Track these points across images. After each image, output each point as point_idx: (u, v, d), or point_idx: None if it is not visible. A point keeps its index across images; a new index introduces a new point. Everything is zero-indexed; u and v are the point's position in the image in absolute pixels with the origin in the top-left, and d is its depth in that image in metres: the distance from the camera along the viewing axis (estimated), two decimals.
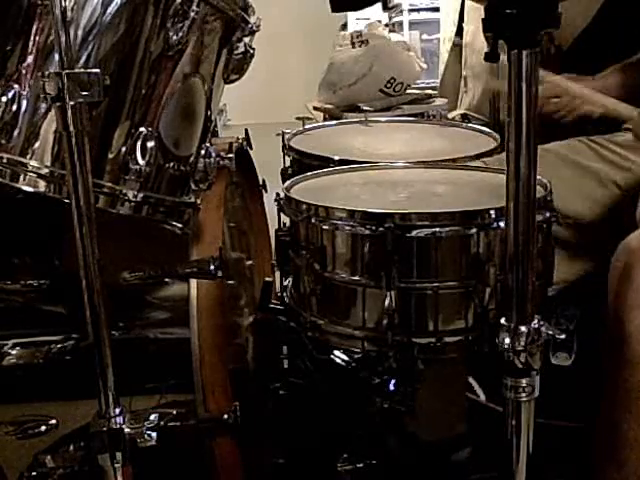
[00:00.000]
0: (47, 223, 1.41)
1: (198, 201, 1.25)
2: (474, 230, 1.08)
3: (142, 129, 1.12)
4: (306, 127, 1.76)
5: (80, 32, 1.09)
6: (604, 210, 1.38)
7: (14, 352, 1.46)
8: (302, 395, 1.57)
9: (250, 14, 1.30)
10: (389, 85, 2.72)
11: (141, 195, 1.13)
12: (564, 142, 1.48)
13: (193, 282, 1.23)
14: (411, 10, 3.82)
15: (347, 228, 1.11)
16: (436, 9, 3.48)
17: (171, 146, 1.17)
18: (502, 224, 1.05)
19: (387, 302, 1.08)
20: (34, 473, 1.23)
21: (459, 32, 2.13)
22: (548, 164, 1.35)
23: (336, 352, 1.51)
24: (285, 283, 1.29)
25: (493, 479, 1.26)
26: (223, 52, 1.27)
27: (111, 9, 1.10)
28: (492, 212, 1.08)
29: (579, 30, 1.55)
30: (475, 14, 2.03)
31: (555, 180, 1.18)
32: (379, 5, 1.22)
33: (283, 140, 1.61)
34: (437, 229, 1.07)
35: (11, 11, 1.11)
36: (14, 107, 1.08)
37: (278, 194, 1.25)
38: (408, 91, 2.80)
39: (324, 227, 1.14)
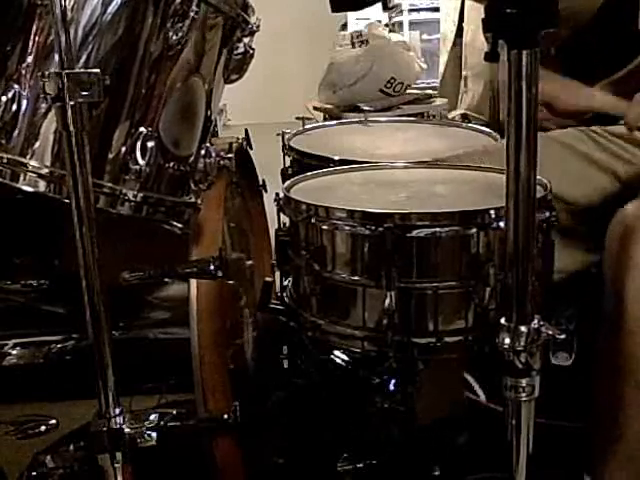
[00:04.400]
0: (47, 223, 1.41)
1: (198, 201, 1.25)
2: (474, 230, 1.08)
3: (142, 129, 1.12)
4: (306, 127, 1.76)
5: (80, 32, 1.09)
6: (605, 199, 1.38)
7: (14, 352, 1.47)
8: (302, 395, 1.57)
9: (250, 14, 1.30)
10: (389, 85, 2.72)
11: (141, 195, 1.13)
12: (565, 130, 1.47)
13: (193, 282, 1.22)
14: (411, 10, 3.82)
15: (347, 228, 1.11)
16: (436, 9, 3.49)
17: (171, 146, 1.17)
18: (502, 224, 1.05)
19: (387, 302, 1.08)
20: (34, 473, 1.23)
21: (459, 32, 2.14)
22: (551, 152, 1.35)
23: (336, 352, 1.51)
24: (285, 283, 1.29)
25: (492, 479, 1.27)
26: (223, 52, 1.27)
27: (111, 9, 1.10)
28: (492, 212, 1.08)
29: (579, 31, 1.55)
30: (475, 14, 2.04)
31: (558, 167, 1.17)
32: (379, 5, 1.22)
33: (283, 140, 1.61)
34: (437, 229, 1.07)
35: (11, 11, 1.11)
36: (14, 107, 1.08)
37: (278, 194, 1.25)
38: (408, 91, 2.81)
39: (324, 227, 1.14)
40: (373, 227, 1.08)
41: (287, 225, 1.26)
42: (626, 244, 1.17)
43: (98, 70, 0.93)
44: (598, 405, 1.24)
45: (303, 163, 1.51)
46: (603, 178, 1.39)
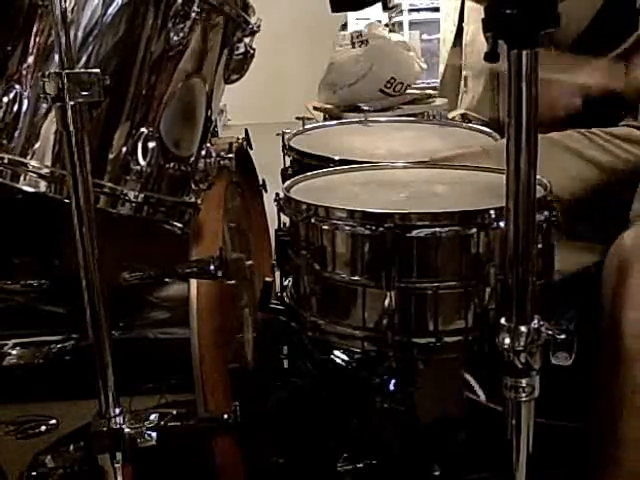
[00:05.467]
0: (47, 223, 1.41)
1: (198, 201, 1.25)
2: (474, 230, 1.08)
3: (143, 129, 1.12)
4: (306, 127, 1.76)
5: (81, 33, 1.09)
6: (604, 197, 1.38)
7: (14, 352, 1.46)
8: (302, 395, 1.57)
9: (250, 14, 1.30)
10: (389, 85, 2.72)
11: (142, 195, 1.13)
12: (562, 132, 1.47)
13: (193, 282, 1.23)
14: (411, 10, 3.82)
15: (347, 228, 1.11)
16: (436, 9, 3.48)
17: (172, 146, 1.17)
18: (502, 224, 1.05)
19: (387, 302, 1.08)
20: (34, 473, 1.23)
21: (459, 32, 2.13)
22: (547, 151, 1.34)
23: (336, 352, 1.50)
24: (285, 283, 1.29)
25: (492, 479, 1.27)
26: (224, 52, 1.27)
27: (112, 10, 1.10)
28: (492, 212, 1.08)
29: (579, 30, 1.55)
30: (475, 14, 2.03)
31: (554, 167, 1.17)
32: (379, 5, 1.22)
33: (283, 140, 1.61)
34: (437, 229, 1.07)
35: (12, 12, 1.11)
36: (15, 107, 1.08)
37: (278, 194, 1.25)
38: (408, 91, 2.80)
39: (324, 227, 1.14)
40: (373, 227, 1.08)
41: (287, 225, 1.26)
42: (623, 276, 1.17)
43: (98, 70, 0.93)
44: (597, 410, 1.24)
45: (303, 163, 1.51)
46: (599, 175, 1.39)
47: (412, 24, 3.77)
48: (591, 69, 1.48)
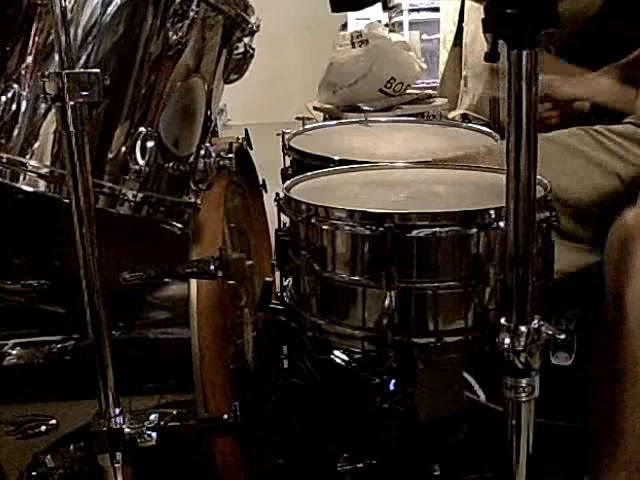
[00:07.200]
0: (47, 223, 1.41)
1: (198, 201, 1.25)
2: (474, 230, 1.08)
3: (142, 129, 1.12)
4: (306, 127, 1.76)
5: (80, 32, 1.09)
6: (607, 201, 1.38)
7: (14, 352, 1.46)
8: (302, 395, 1.57)
9: (250, 14, 1.30)
10: (389, 85, 2.72)
11: (141, 195, 1.13)
12: (567, 130, 1.47)
13: (193, 282, 1.22)
14: (411, 10, 3.81)
15: (347, 228, 1.11)
16: (436, 9, 3.48)
17: (171, 146, 1.17)
18: (502, 224, 1.05)
19: (387, 302, 1.08)
20: (34, 473, 1.23)
21: (459, 32, 2.14)
22: (553, 153, 1.35)
23: (336, 352, 1.51)
24: (285, 283, 1.29)
25: (492, 479, 1.27)
26: (223, 52, 1.27)
27: (111, 9, 1.10)
28: (492, 212, 1.08)
29: (579, 29, 1.55)
30: (475, 14, 2.04)
31: (559, 169, 1.17)
32: (379, 5, 1.22)
33: (283, 140, 1.61)
34: (437, 229, 1.07)
35: (11, 11, 1.11)
36: (14, 107, 1.08)
37: (278, 194, 1.25)
38: (408, 91, 2.80)
39: (324, 227, 1.14)
40: (373, 227, 1.08)
41: (287, 225, 1.26)
42: (625, 253, 1.17)
43: (98, 70, 0.93)
44: (598, 407, 1.24)
45: (303, 163, 1.51)
46: (604, 178, 1.39)
47: (412, 24, 3.77)
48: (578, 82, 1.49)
